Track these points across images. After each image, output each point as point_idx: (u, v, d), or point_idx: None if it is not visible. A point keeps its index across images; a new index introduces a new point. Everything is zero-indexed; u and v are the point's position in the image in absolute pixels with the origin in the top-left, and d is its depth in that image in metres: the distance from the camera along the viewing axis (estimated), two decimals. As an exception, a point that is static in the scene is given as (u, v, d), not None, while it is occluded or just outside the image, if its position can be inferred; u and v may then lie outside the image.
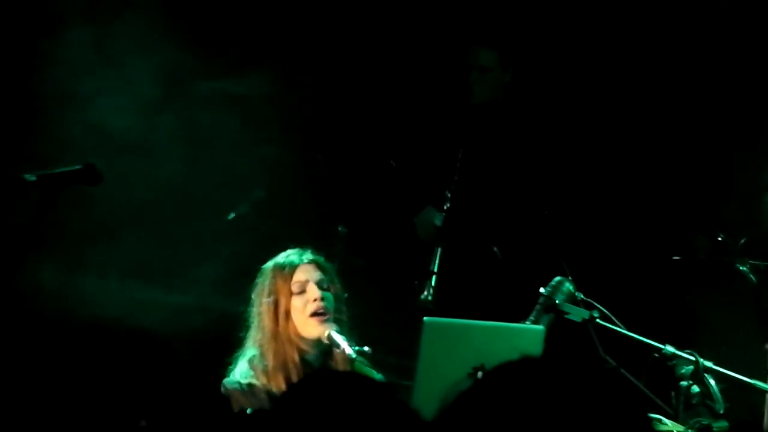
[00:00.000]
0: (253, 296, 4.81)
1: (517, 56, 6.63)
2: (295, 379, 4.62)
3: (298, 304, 4.73)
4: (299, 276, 4.75)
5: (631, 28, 6.79)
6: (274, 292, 4.75)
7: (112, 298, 6.14)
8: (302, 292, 4.74)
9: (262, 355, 4.70)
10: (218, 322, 5.81)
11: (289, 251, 4.84)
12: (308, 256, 4.81)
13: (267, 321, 4.73)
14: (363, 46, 6.84)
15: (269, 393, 4.62)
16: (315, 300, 4.71)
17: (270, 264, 4.83)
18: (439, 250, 6.29)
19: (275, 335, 4.71)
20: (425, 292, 6.13)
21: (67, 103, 6.13)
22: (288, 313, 4.72)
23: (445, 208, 6.39)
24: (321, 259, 4.83)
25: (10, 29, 6.19)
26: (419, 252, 6.38)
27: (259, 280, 4.82)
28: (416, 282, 6.23)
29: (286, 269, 4.77)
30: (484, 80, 6.55)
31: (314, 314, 4.70)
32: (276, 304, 4.73)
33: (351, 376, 2.55)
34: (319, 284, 4.76)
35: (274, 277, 4.77)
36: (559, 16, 6.89)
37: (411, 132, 6.80)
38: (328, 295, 4.75)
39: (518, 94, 6.62)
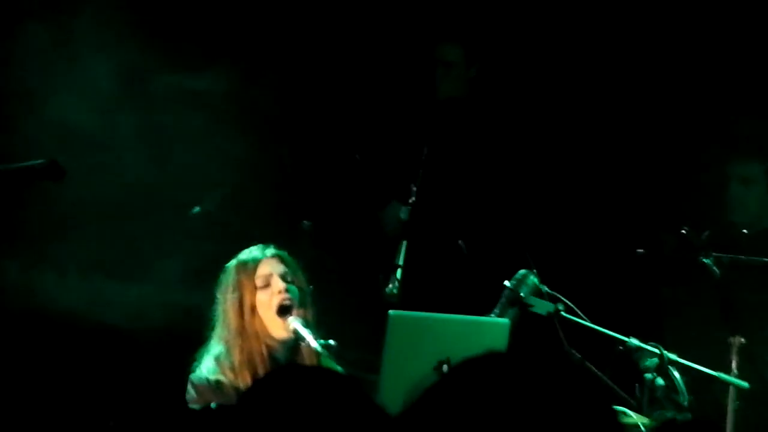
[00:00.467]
0: (217, 294, 4.80)
1: (483, 51, 6.64)
2: (262, 374, 4.60)
3: (263, 298, 4.72)
4: (263, 270, 4.75)
5: (595, 21, 6.80)
6: (238, 288, 4.74)
7: (75, 293, 6.10)
8: (266, 285, 4.73)
9: (228, 351, 4.70)
10: (180, 318, 5.80)
11: (252, 248, 4.84)
12: (271, 250, 4.81)
13: (232, 317, 4.72)
14: (329, 40, 6.82)
15: (236, 389, 4.61)
16: (280, 292, 4.70)
17: (233, 261, 4.82)
18: (405, 243, 6.28)
19: (241, 331, 4.70)
20: (390, 285, 6.12)
21: (27, 100, 6.09)
22: (254, 308, 4.72)
23: (410, 202, 6.39)
24: (284, 253, 4.83)
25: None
26: (384, 246, 6.38)
27: (222, 278, 4.81)
28: (381, 275, 6.23)
29: (249, 264, 4.76)
30: (449, 75, 6.56)
31: (280, 308, 4.69)
32: (241, 300, 4.72)
33: (317, 371, 2.55)
34: (283, 277, 4.75)
35: (237, 273, 4.76)
36: (524, 10, 6.90)
37: (376, 126, 6.80)
38: (293, 287, 4.75)
39: (483, 88, 6.62)
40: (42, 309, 6.01)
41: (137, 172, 6.23)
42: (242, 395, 2.46)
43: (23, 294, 6.01)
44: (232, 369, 4.66)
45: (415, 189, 6.38)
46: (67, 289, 6.12)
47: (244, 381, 4.62)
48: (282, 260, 4.80)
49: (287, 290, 4.72)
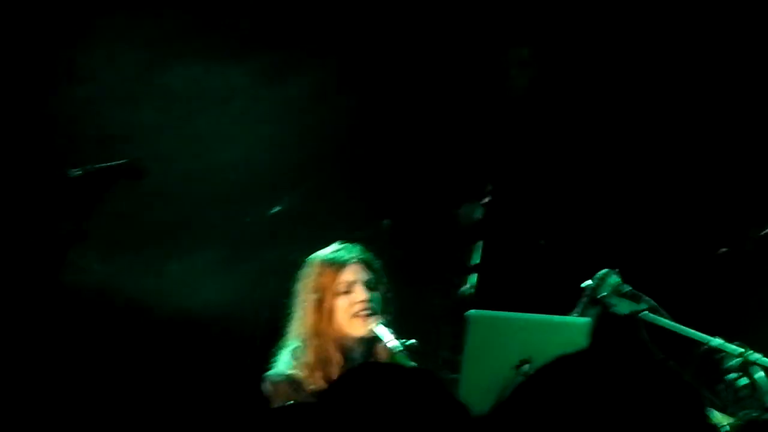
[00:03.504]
0: (297, 288, 4.76)
1: (557, 49, 6.61)
2: (335, 374, 4.59)
3: (343, 304, 4.68)
4: (347, 276, 4.70)
5: (670, 15, 6.74)
6: (319, 289, 4.70)
7: (169, 287, 6.17)
8: (348, 292, 4.70)
9: (303, 348, 4.68)
10: (260, 314, 5.82)
11: (337, 246, 4.79)
12: (357, 253, 4.75)
13: (310, 316, 4.70)
14: (405, 40, 6.82)
15: (310, 387, 4.60)
16: (361, 302, 4.66)
17: (317, 257, 4.77)
18: (480, 243, 6.27)
19: (318, 331, 4.67)
20: (466, 285, 6.11)
21: (114, 102, 6.18)
22: (332, 312, 4.68)
23: (485, 201, 6.37)
24: (369, 257, 4.77)
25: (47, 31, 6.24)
26: (460, 245, 6.37)
27: (304, 273, 4.76)
28: (457, 275, 6.22)
29: (334, 267, 4.72)
30: (522, 74, 6.54)
31: (359, 315, 4.66)
32: (320, 301, 4.69)
33: (401, 369, 2.54)
34: (367, 284, 4.70)
35: (321, 273, 4.72)
36: (597, 8, 6.86)
37: (451, 125, 6.79)
38: (375, 295, 4.71)
39: (557, 87, 6.59)
40: (121, 297, 6.10)
41: (225, 171, 6.29)
42: (325, 392, 2.45)
43: (107, 286, 6.10)
44: (307, 366, 4.64)
45: (490, 188, 6.37)
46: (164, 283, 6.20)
47: (317, 380, 4.61)
48: (367, 266, 4.74)
49: (369, 300, 4.67)
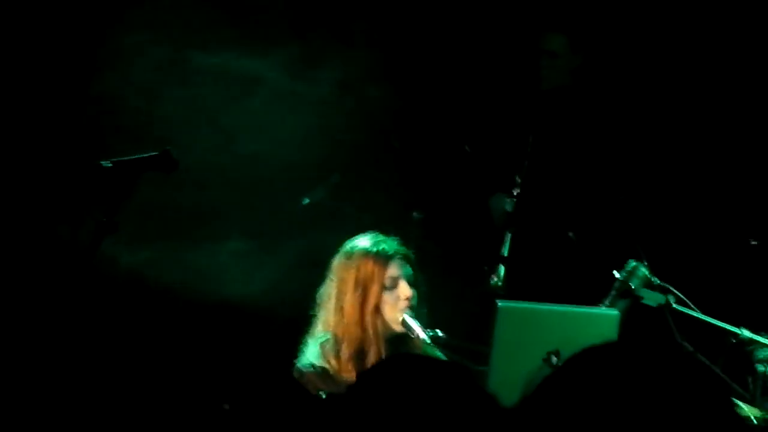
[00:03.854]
0: (332, 277, 4.70)
1: (587, 40, 6.59)
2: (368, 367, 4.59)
3: (389, 300, 4.64)
4: (393, 271, 4.66)
5: (701, 9, 6.72)
6: (363, 283, 4.64)
7: (196, 278, 6.20)
8: (394, 287, 4.67)
9: (336, 340, 4.64)
10: (288, 306, 5.84)
11: (377, 237, 4.74)
12: (400, 248, 4.72)
13: (351, 310, 4.64)
14: (436, 32, 6.83)
15: (341, 379, 4.58)
16: (407, 299, 4.64)
17: (359, 247, 4.71)
18: (510, 235, 6.27)
19: (359, 324, 4.63)
20: (495, 278, 6.11)
21: (139, 93, 6.21)
22: (378, 307, 4.64)
23: (515, 193, 6.36)
24: (409, 252, 4.74)
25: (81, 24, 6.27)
26: (490, 237, 6.37)
27: (342, 263, 4.70)
28: (486, 267, 6.22)
29: (380, 260, 4.66)
30: (554, 65, 6.53)
31: (402, 310, 4.65)
32: (365, 297, 4.64)
33: (430, 360, 2.55)
34: (410, 280, 4.69)
35: (365, 264, 4.66)
36: (627, 5, 6.85)
37: (482, 117, 6.79)
38: (415, 292, 4.70)
39: (588, 78, 6.58)
40: (149, 288, 6.13)
41: (253, 161, 6.30)
42: (354, 384, 2.46)
43: (135, 277, 6.14)
44: (338, 358, 4.62)
45: (519, 181, 6.37)
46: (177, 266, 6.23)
47: (348, 373, 4.59)
48: (408, 261, 4.71)
49: (413, 296, 4.66)
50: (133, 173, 4.14)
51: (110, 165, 4.15)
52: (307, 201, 6.33)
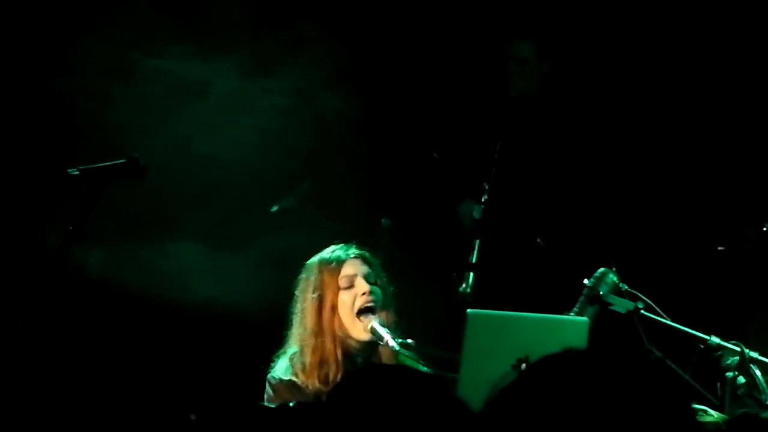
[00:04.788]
0: (296, 293, 4.78)
1: (554, 47, 6.61)
2: (333, 375, 4.60)
3: (346, 299, 4.69)
4: (347, 270, 4.72)
5: (666, 16, 6.74)
6: (319, 288, 4.71)
7: (154, 280, 6.17)
8: (350, 286, 4.70)
9: (301, 351, 4.68)
10: (268, 321, 5.83)
11: (334, 247, 4.81)
12: (354, 250, 4.78)
13: (310, 317, 4.69)
14: (403, 38, 6.82)
15: (309, 390, 4.61)
16: (364, 294, 4.69)
17: (315, 259, 4.79)
18: (478, 242, 6.27)
19: (317, 331, 4.67)
20: (464, 285, 6.11)
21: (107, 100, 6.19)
22: (334, 309, 4.69)
23: (483, 200, 6.37)
24: (367, 253, 4.80)
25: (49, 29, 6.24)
26: (459, 244, 6.37)
27: (303, 276, 4.79)
28: (454, 274, 6.22)
29: (333, 264, 4.73)
30: (521, 72, 6.54)
31: (363, 309, 4.67)
32: (321, 300, 4.70)
33: (400, 369, 2.55)
34: (367, 278, 4.72)
35: (320, 272, 4.73)
36: (596, 4, 6.86)
37: (448, 124, 6.79)
38: (376, 289, 4.72)
39: (555, 84, 6.59)
40: (126, 284, 6.11)
41: (218, 169, 6.30)
42: (328, 395, 2.46)
43: (110, 275, 6.11)
44: (304, 370, 4.64)
45: (487, 187, 6.37)
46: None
47: (314, 382, 4.61)
48: (366, 260, 4.77)
49: (371, 292, 4.69)
50: (101, 181, 4.13)
51: (77, 173, 4.14)
52: (276, 208, 6.32)
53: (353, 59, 6.60)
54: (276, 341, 4.78)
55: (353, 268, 4.73)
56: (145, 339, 6.26)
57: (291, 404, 4.43)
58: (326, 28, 6.50)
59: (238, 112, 6.36)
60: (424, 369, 4.60)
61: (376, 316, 4.66)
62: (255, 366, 4.76)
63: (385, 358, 4.66)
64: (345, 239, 4.86)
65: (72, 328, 6.11)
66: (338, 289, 4.70)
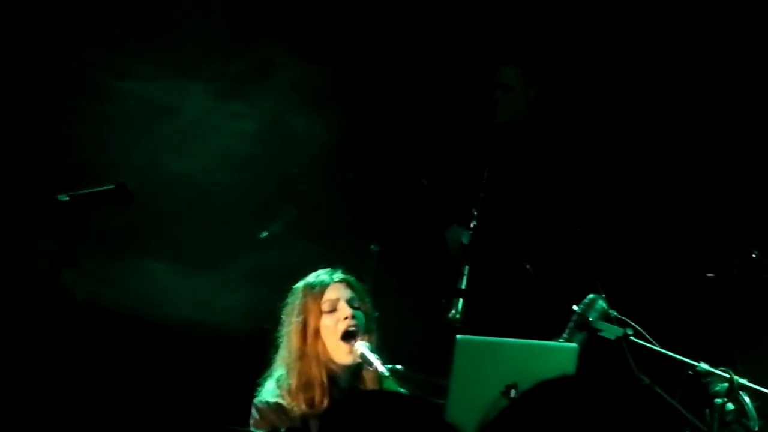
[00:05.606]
0: (283, 316, 4.80)
1: (541, 74, 6.62)
2: (318, 398, 4.62)
3: (328, 323, 4.71)
4: (330, 294, 4.75)
5: (656, 47, 6.77)
6: (303, 312, 4.74)
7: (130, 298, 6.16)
8: (333, 310, 4.73)
9: (287, 374, 4.70)
10: (244, 340, 5.82)
11: (319, 271, 4.84)
12: (339, 275, 4.81)
13: (294, 340, 4.72)
14: (390, 65, 6.83)
15: (295, 413, 4.62)
16: (346, 318, 4.70)
17: (300, 284, 4.83)
18: (467, 267, 6.27)
19: (301, 355, 4.69)
20: (453, 311, 6.11)
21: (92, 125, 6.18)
22: (317, 332, 4.71)
23: (471, 226, 6.37)
24: (351, 279, 4.82)
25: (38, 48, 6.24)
26: (448, 270, 6.37)
27: (289, 300, 4.81)
28: (443, 300, 6.22)
29: (317, 288, 4.76)
30: (507, 98, 6.54)
31: (345, 334, 4.68)
32: (305, 324, 4.72)
33: (391, 396, 2.54)
34: (350, 303, 4.74)
35: (304, 296, 4.76)
36: (583, 33, 6.88)
37: (435, 151, 6.80)
38: (359, 313, 4.74)
39: (542, 111, 6.60)
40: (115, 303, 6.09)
41: (206, 194, 6.30)
42: (320, 420, 2.46)
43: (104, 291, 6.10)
44: (290, 392, 4.66)
45: (476, 213, 6.37)
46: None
47: (300, 405, 4.62)
48: (350, 285, 4.79)
49: (353, 316, 4.71)
50: (89, 206, 4.14)
51: (67, 198, 4.15)
52: (265, 234, 6.31)
53: (339, 83, 6.61)
54: (257, 361, 4.80)
55: (336, 293, 4.75)
56: (120, 358, 6.25)
57: (282, 430, 4.45)
58: (303, 52, 6.50)
59: (209, 133, 6.36)
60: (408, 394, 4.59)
61: (359, 340, 4.67)
62: (236, 387, 4.77)
63: (370, 382, 4.68)
64: (331, 264, 4.87)
65: (50, 349, 6.09)
66: (321, 313, 4.73)
